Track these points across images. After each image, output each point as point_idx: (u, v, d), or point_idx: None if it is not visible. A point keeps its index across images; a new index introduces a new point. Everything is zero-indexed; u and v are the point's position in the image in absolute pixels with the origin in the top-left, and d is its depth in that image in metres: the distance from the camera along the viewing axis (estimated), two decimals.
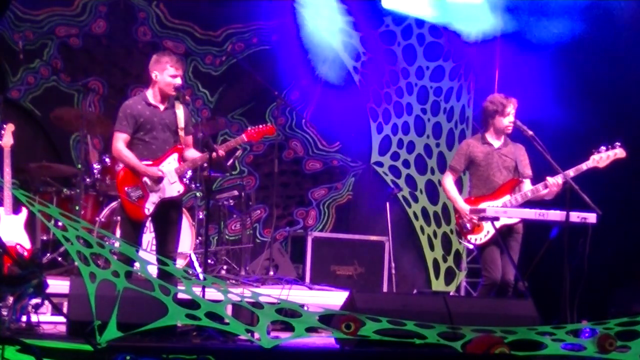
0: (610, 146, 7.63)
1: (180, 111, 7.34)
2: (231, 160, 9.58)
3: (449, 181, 7.89)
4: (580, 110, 9.43)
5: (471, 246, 7.92)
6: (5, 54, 9.44)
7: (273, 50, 10.52)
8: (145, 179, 7.21)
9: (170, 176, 7.25)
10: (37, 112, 9.62)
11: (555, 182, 7.49)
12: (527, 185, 7.75)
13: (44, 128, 9.63)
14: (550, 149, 7.58)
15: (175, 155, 7.30)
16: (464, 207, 7.67)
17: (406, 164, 11.00)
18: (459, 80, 11.05)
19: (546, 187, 7.56)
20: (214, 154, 7.19)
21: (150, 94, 7.33)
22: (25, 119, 9.45)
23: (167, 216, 7.30)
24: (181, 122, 7.32)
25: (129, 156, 7.22)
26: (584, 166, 7.56)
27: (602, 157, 7.59)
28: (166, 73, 7.26)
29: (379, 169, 10.96)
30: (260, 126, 7.63)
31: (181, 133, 7.32)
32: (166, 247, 7.26)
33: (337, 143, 10.90)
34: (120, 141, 7.24)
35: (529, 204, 7.65)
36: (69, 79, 9.71)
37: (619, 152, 7.63)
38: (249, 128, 7.63)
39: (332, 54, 10.51)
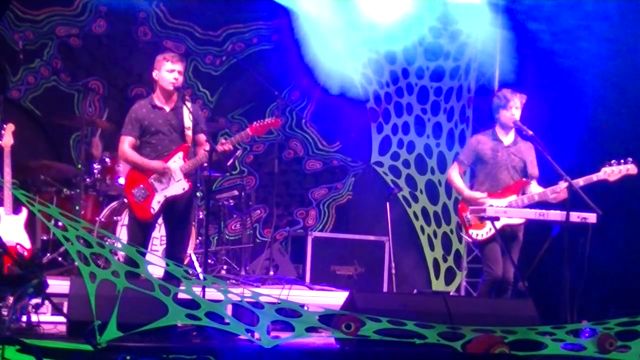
0: (622, 161, 7.58)
1: (186, 111, 7.36)
2: (231, 160, 9.59)
3: (454, 173, 7.88)
4: (584, 114, 9.43)
5: (471, 240, 7.90)
6: (5, 54, 9.45)
7: (273, 50, 10.52)
8: (151, 178, 7.24)
9: (175, 174, 7.28)
10: (37, 112, 9.62)
11: (563, 188, 7.45)
12: (533, 186, 7.72)
13: (44, 128, 9.63)
14: (551, 151, 7.57)
15: (180, 154, 7.33)
16: (472, 194, 7.63)
17: (406, 164, 11.00)
18: (459, 80, 11.05)
19: (554, 192, 7.53)
20: (217, 150, 7.20)
21: (155, 96, 7.40)
22: (25, 119, 9.45)
23: (175, 216, 7.36)
24: (187, 122, 7.34)
25: (133, 156, 7.30)
26: (594, 177, 7.52)
27: (613, 171, 7.54)
28: (163, 69, 7.31)
29: (379, 169, 10.96)
30: (266, 120, 7.63)
31: (188, 132, 7.34)
32: (174, 247, 7.32)
33: (337, 143, 10.90)
34: (125, 144, 7.33)
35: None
36: (69, 79, 9.71)
37: (630, 168, 7.58)
38: (255, 122, 7.61)
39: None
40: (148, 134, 7.32)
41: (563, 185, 7.44)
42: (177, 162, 7.32)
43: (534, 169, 7.78)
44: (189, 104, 7.39)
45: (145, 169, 7.29)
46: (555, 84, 9.82)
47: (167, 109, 7.36)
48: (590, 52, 9.46)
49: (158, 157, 7.30)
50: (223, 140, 7.47)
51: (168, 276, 6.49)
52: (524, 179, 7.73)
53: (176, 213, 7.36)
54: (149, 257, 7.24)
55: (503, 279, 7.58)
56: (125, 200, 7.32)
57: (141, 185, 7.28)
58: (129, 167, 7.55)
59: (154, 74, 7.37)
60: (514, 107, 7.72)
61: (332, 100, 10.68)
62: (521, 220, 7.60)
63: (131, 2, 9.90)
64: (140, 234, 7.28)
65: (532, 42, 10.04)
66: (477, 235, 7.66)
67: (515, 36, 10.34)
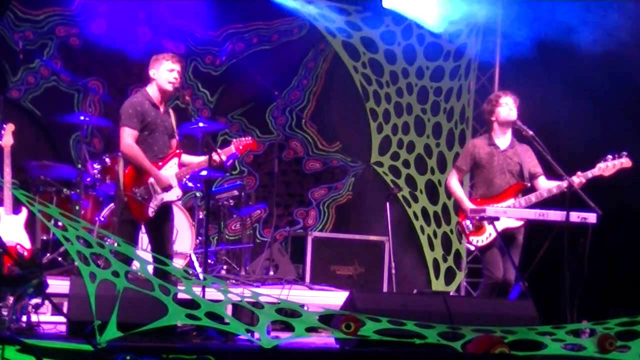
0: (616, 155, 7.59)
1: (172, 116, 7.35)
2: (231, 161, 9.58)
3: (454, 181, 7.87)
4: (584, 113, 9.43)
5: (473, 247, 7.91)
6: (5, 54, 9.45)
7: (273, 50, 10.53)
8: (151, 180, 7.19)
9: (172, 181, 7.24)
10: (37, 112, 9.63)
11: (561, 186, 7.48)
12: (542, 182, 7.71)
13: (44, 128, 9.64)
14: (552, 152, 7.57)
15: (175, 160, 7.30)
16: (471, 207, 7.64)
17: (406, 164, 11.01)
18: (459, 80, 11.05)
19: (550, 193, 7.55)
20: (214, 156, 7.19)
21: (152, 94, 7.28)
22: (25, 119, 9.45)
23: (163, 218, 7.29)
24: (174, 127, 7.33)
25: (142, 155, 7.12)
26: (590, 174, 7.52)
27: (608, 166, 7.55)
28: (163, 68, 7.22)
29: (379, 169, 10.96)
30: (245, 139, 7.70)
31: (176, 137, 7.34)
32: (164, 247, 7.26)
33: (337, 143, 10.90)
34: (130, 137, 7.12)
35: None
36: (69, 79, 9.71)
37: (625, 162, 7.59)
38: (234, 140, 7.71)
39: None
40: (147, 131, 7.18)
41: (555, 190, 7.48)
42: (172, 168, 7.27)
43: (535, 168, 7.77)
44: (171, 111, 7.37)
45: (146, 172, 7.18)
46: (555, 83, 9.83)
47: (161, 109, 7.30)
48: (591, 49, 9.48)
49: (153, 159, 7.20)
50: (219, 151, 7.41)
51: (160, 276, 6.46)
52: (521, 182, 7.72)
53: (163, 217, 7.28)
54: (143, 255, 7.23)
55: (504, 282, 7.57)
56: (125, 199, 7.22)
57: (141, 186, 7.21)
58: (129, 164, 7.25)
59: (151, 72, 7.26)
60: (509, 104, 7.71)
61: (332, 100, 10.68)
62: (520, 223, 7.60)
63: (131, 2, 9.91)
64: (131, 234, 7.20)
65: (532, 40, 10.05)
66: (477, 241, 7.66)
67: (516, 35, 10.34)
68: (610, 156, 7.59)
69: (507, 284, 7.61)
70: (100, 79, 9.89)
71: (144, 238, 7.69)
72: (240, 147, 7.66)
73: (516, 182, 7.72)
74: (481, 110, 7.94)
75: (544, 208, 7.49)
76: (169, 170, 7.26)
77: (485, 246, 7.63)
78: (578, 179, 7.46)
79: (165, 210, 7.28)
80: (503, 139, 7.81)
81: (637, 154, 7.73)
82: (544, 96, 9.66)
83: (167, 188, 7.19)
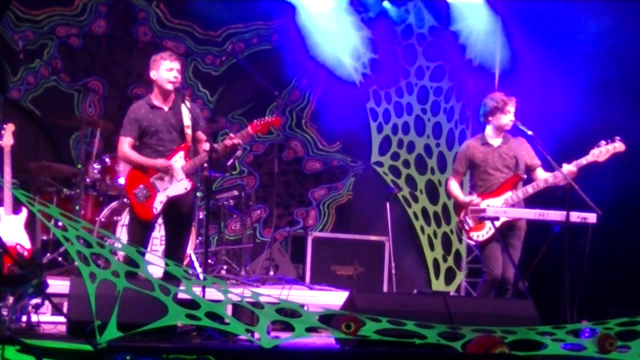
0: (609, 140, 7.64)
1: (185, 109, 7.34)
2: (231, 160, 9.58)
3: (452, 183, 7.92)
4: (583, 108, 9.43)
5: (473, 243, 7.92)
6: (5, 54, 9.45)
7: (273, 50, 10.52)
8: (152, 178, 7.21)
9: (177, 174, 7.25)
10: (37, 112, 9.62)
11: (558, 176, 7.51)
12: (540, 174, 7.74)
13: (44, 128, 9.63)
14: (550, 146, 7.59)
15: (181, 153, 7.30)
16: (465, 199, 7.68)
17: (406, 164, 11.01)
18: (459, 81, 11.05)
19: (547, 183, 7.59)
20: (217, 149, 7.20)
21: (153, 96, 7.34)
22: (25, 119, 9.45)
23: (177, 216, 7.32)
24: (187, 121, 7.32)
25: (134, 156, 7.23)
26: (584, 160, 7.58)
27: (601, 151, 7.61)
28: (162, 67, 7.25)
29: (379, 169, 10.96)
30: (267, 118, 7.63)
31: (187, 131, 7.32)
32: (175, 247, 7.28)
33: (337, 143, 10.90)
34: (125, 144, 7.25)
35: (530, 203, 7.67)
36: (69, 79, 9.71)
37: (618, 146, 7.65)
38: (255, 121, 7.59)
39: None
40: (147, 135, 7.25)
41: (552, 179, 7.49)
42: (178, 162, 7.29)
43: (532, 160, 7.81)
44: (187, 103, 7.37)
45: (146, 169, 7.23)
46: (556, 82, 9.83)
47: (166, 108, 7.31)
48: (591, 49, 9.48)
49: (159, 158, 7.26)
50: (232, 135, 7.43)
51: (167, 276, 6.48)
52: (517, 174, 7.74)
53: (178, 213, 7.32)
54: (148, 257, 7.25)
55: (503, 278, 7.59)
56: (126, 200, 7.27)
57: (143, 186, 7.23)
58: (130, 168, 7.48)
59: (152, 74, 7.30)
60: (511, 113, 7.74)
61: (332, 100, 10.68)
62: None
63: (131, 2, 9.91)
64: (140, 234, 7.24)
65: (532, 41, 10.05)
66: (477, 236, 7.69)
67: (516, 35, 10.35)
68: (603, 142, 7.64)
69: (506, 282, 7.63)
70: (100, 79, 9.89)
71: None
72: (259, 127, 7.52)
73: (513, 175, 7.74)
74: (483, 103, 7.88)
75: (544, 208, 7.50)
76: (175, 164, 7.26)
77: (485, 241, 7.64)
78: (573, 167, 7.49)
79: (178, 208, 7.30)
80: (496, 138, 7.85)
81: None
82: (544, 96, 9.65)
83: (169, 171, 7.20)
